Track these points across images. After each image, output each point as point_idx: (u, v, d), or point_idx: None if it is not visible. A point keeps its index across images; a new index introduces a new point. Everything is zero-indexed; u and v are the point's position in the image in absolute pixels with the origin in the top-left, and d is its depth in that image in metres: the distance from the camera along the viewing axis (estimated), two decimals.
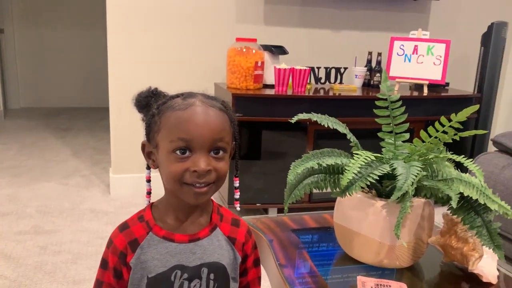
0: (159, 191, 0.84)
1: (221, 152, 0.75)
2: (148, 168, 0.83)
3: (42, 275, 1.79)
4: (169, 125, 0.74)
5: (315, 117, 1.06)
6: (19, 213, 2.36)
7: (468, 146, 2.72)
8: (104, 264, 0.80)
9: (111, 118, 2.57)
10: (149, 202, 0.84)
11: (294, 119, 1.04)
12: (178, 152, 0.73)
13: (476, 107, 0.95)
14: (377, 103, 1.06)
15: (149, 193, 0.86)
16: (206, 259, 0.79)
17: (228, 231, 0.83)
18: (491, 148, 2.33)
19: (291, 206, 1.06)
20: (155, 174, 0.81)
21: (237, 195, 0.89)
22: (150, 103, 0.80)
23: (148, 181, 0.86)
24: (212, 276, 0.79)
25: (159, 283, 0.77)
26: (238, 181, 0.89)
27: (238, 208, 0.89)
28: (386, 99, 1.06)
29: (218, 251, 0.80)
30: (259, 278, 0.90)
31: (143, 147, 0.81)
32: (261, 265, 0.92)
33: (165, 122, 0.75)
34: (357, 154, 0.96)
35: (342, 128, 1.08)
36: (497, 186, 1.92)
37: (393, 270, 1.04)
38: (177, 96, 0.79)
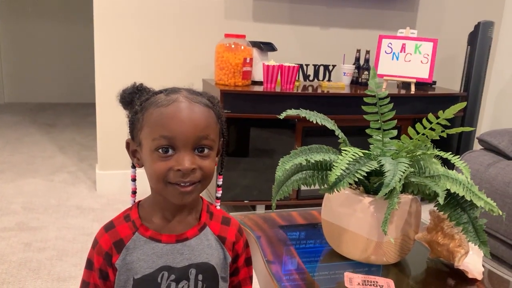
0: (145, 190, 0.82)
1: (206, 150, 0.73)
2: (134, 167, 0.81)
3: (26, 272, 1.77)
4: (151, 122, 0.72)
5: (303, 113, 1.06)
6: (3, 209, 2.32)
7: (454, 144, 2.75)
8: (89, 264, 0.78)
9: (98, 114, 2.54)
10: (135, 202, 0.82)
11: (283, 115, 1.04)
12: (160, 150, 0.71)
13: (463, 105, 0.96)
14: (366, 99, 1.07)
15: (134, 192, 0.83)
16: (194, 260, 0.77)
17: (218, 230, 0.81)
18: (477, 146, 2.35)
19: (279, 203, 1.06)
20: (141, 171, 0.79)
21: (219, 193, 0.87)
22: (134, 99, 0.78)
23: (134, 180, 0.83)
24: (200, 277, 0.77)
25: (145, 285, 0.75)
26: (221, 179, 0.86)
27: (218, 207, 0.86)
28: (374, 96, 1.06)
29: (207, 251, 0.78)
30: (251, 277, 0.88)
31: (127, 145, 0.78)
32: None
33: (147, 119, 0.72)
34: (345, 150, 0.96)
35: (330, 124, 1.08)
36: (483, 184, 1.95)
37: (380, 267, 1.04)
38: (160, 92, 0.76)
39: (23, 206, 2.38)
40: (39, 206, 2.40)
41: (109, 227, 0.78)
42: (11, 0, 4.86)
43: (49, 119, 4.41)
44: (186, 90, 0.76)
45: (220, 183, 0.86)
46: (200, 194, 0.82)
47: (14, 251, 1.92)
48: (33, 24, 4.97)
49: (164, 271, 0.75)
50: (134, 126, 0.76)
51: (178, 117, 0.71)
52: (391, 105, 1.06)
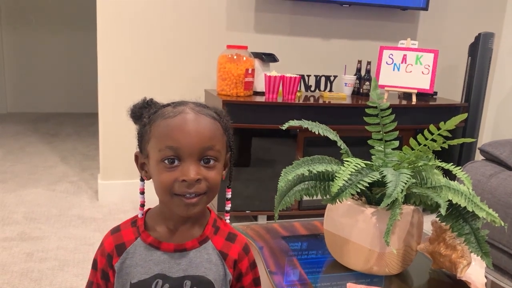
0: (153, 202, 0.83)
1: (212, 161, 0.73)
2: (142, 180, 0.81)
3: (28, 282, 1.76)
4: (158, 133, 0.73)
5: (306, 124, 1.06)
6: (5, 219, 2.33)
7: (455, 155, 2.75)
8: (94, 264, 0.81)
9: (100, 124, 2.55)
10: (142, 215, 0.82)
11: (285, 126, 1.05)
12: (166, 161, 0.71)
13: (464, 116, 0.97)
14: (367, 110, 1.07)
15: (142, 205, 0.83)
16: (190, 272, 0.76)
17: (221, 246, 0.80)
18: (478, 157, 2.36)
19: (281, 214, 1.06)
20: (149, 184, 0.79)
21: (228, 206, 0.85)
22: (143, 113, 0.78)
23: (142, 193, 0.83)
24: None
25: None
26: (230, 193, 0.86)
27: (228, 221, 0.85)
28: (376, 107, 1.07)
29: (205, 265, 0.77)
30: None
31: (136, 158, 0.79)
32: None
33: (154, 131, 0.74)
34: (347, 161, 0.96)
35: (332, 135, 1.09)
36: (484, 195, 1.95)
37: (382, 278, 1.04)
38: (168, 105, 0.77)
39: (24, 216, 2.38)
40: (41, 216, 2.40)
41: (115, 230, 0.80)
42: (14, 10, 4.90)
43: (51, 128, 4.42)
44: (193, 103, 0.77)
45: (229, 196, 0.86)
46: (209, 207, 0.83)
47: (15, 261, 1.92)
48: (36, 34, 5.01)
49: (159, 279, 0.75)
50: (142, 139, 0.77)
51: (184, 127, 0.72)
52: (392, 116, 1.07)
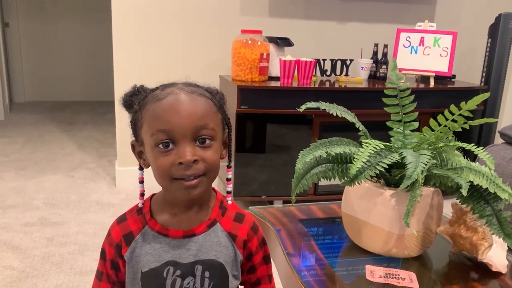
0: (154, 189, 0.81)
1: (207, 141, 0.71)
2: (141, 168, 0.79)
3: (49, 266, 1.80)
4: (149, 118, 0.71)
5: (323, 105, 1.05)
6: (26, 205, 2.37)
7: (474, 138, 2.70)
8: (103, 254, 0.80)
9: (117, 112, 2.57)
10: (143, 204, 0.80)
11: (302, 108, 1.04)
12: (161, 145, 0.69)
13: (486, 95, 0.95)
14: (386, 91, 1.06)
15: (142, 194, 0.81)
16: (201, 256, 0.75)
17: (229, 227, 0.79)
18: (498, 140, 2.31)
19: (297, 199, 1.06)
20: (148, 172, 0.77)
21: (229, 187, 0.82)
22: (134, 100, 0.76)
23: (141, 182, 0.80)
24: (207, 273, 0.76)
25: (152, 279, 0.75)
26: (230, 172, 0.83)
27: (230, 202, 0.82)
28: (395, 88, 1.05)
29: (215, 248, 0.77)
30: (270, 276, 0.86)
31: (133, 147, 0.78)
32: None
33: (145, 116, 0.72)
34: (366, 142, 0.95)
35: (350, 117, 1.08)
36: (505, 178, 1.91)
37: (401, 260, 1.03)
38: (157, 88, 0.75)
39: (44, 202, 2.42)
40: (60, 201, 2.44)
41: (121, 219, 0.79)
42: (32, 1, 4.94)
43: (69, 117, 4.48)
44: (183, 83, 0.75)
45: (229, 176, 0.83)
46: (215, 188, 0.82)
47: (37, 245, 1.96)
48: (52, 24, 5.05)
49: (170, 266, 0.75)
50: (135, 126, 0.75)
51: (173, 108, 0.69)
52: (412, 97, 1.05)
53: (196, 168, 0.69)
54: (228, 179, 0.83)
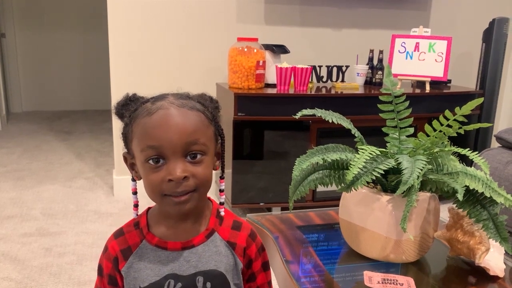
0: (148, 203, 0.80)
1: (198, 156, 0.69)
2: (134, 180, 0.78)
3: (47, 277, 1.79)
4: (138, 133, 0.70)
5: (319, 112, 1.06)
6: (23, 215, 2.37)
7: (471, 143, 2.72)
8: (100, 270, 0.80)
9: (114, 121, 2.58)
10: (137, 215, 0.80)
11: (299, 115, 1.04)
12: (151, 161, 0.68)
13: (480, 100, 0.95)
14: (381, 98, 1.06)
15: (136, 205, 0.80)
16: (201, 267, 0.75)
17: (228, 236, 0.78)
18: (494, 144, 2.32)
19: (295, 205, 1.06)
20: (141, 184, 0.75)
21: (222, 198, 0.81)
22: (125, 111, 0.75)
23: (134, 193, 0.79)
24: (208, 284, 0.75)
25: None
26: (223, 184, 0.82)
27: (223, 213, 0.81)
28: (390, 94, 1.06)
29: (215, 258, 0.76)
30: (269, 282, 0.85)
31: (125, 159, 0.77)
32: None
33: (135, 130, 0.71)
34: (362, 149, 0.96)
35: (346, 123, 1.08)
36: (502, 182, 1.92)
37: (399, 266, 1.04)
38: (147, 100, 0.73)
39: (42, 212, 2.42)
40: (58, 211, 2.43)
41: (118, 234, 0.79)
42: (28, 10, 4.96)
43: (66, 126, 4.48)
44: (173, 95, 0.73)
45: (223, 187, 0.82)
46: (210, 197, 0.81)
47: (35, 256, 1.95)
48: (49, 34, 5.07)
49: (171, 279, 0.74)
50: (126, 139, 0.74)
51: (163, 125, 0.68)
52: (407, 103, 1.06)
53: (186, 184, 0.69)
54: (221, 190, 0.82)
